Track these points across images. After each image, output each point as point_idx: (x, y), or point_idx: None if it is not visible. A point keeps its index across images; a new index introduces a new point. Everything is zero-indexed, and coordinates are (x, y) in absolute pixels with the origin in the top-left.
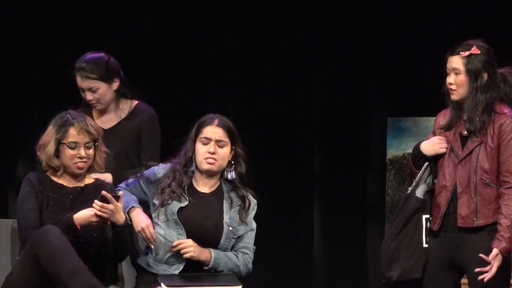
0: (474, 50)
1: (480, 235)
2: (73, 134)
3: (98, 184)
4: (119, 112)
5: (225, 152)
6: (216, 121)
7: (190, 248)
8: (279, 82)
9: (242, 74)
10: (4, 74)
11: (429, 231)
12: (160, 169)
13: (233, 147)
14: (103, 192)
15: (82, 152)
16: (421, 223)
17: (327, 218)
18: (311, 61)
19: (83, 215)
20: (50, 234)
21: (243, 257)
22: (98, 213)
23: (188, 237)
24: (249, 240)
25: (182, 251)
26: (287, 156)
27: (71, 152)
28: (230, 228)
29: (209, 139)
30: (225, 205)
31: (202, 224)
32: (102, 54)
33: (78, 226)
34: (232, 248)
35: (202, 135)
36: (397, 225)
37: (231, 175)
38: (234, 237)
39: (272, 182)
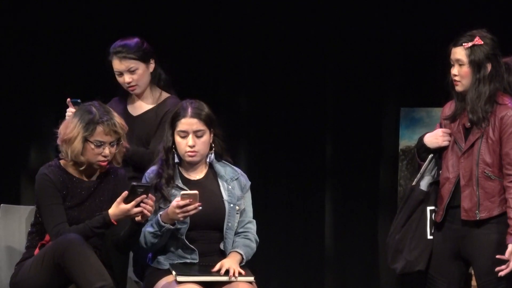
0: (477, 40)
1: (485, 228)
2: (100, 133)
3: (111, 172)
4: (151, 100)
5: (205, 140)
6: (189, 112)
7: (231, 268)
8: (292, 72)
9: (254, 64)
10: (17, 61)
11: (434, 223)
12: (150, 174)
13: (212, 131)
14: (134, 184)
15: (107, 151)
16: (425, 215)
17: (339, 208)
18: (324, 51)
19: (120, 212)
20: (75, 247)
21: (252, 235)
22: (146, 213)
23: (191, 226)
24: (249, 208)
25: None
26: (299, 146)
27: (96, 150)
28: (231, 205)
29: (186, 132)
30: (221, 184)
31: (204, 211)
32: (136, 38)
33: (115, 222)
34: (238, 224)
35: (178, 129)
36: (402, 217)
37: (210, 158)
38: (238, 212)
39: (285, 172)
